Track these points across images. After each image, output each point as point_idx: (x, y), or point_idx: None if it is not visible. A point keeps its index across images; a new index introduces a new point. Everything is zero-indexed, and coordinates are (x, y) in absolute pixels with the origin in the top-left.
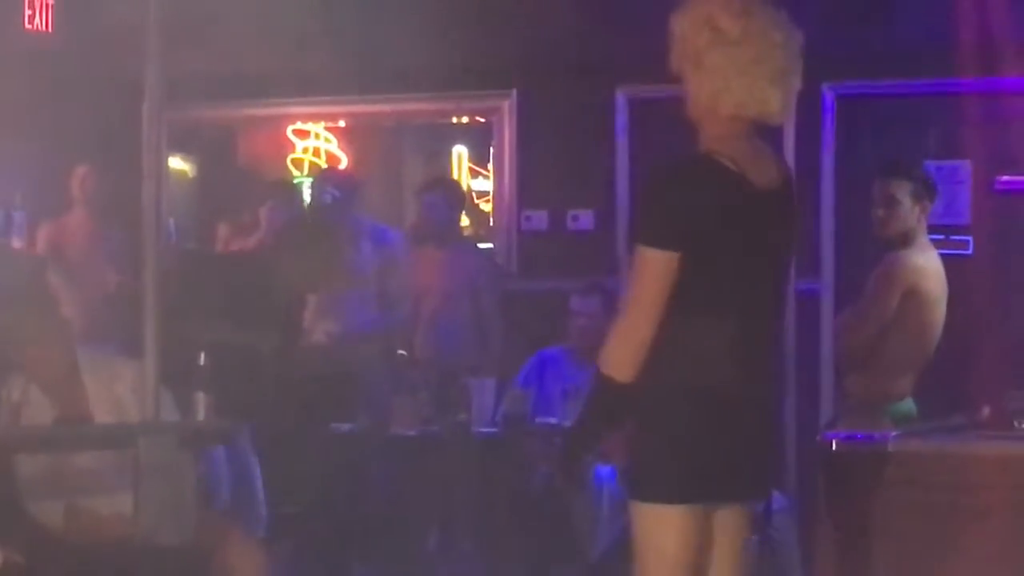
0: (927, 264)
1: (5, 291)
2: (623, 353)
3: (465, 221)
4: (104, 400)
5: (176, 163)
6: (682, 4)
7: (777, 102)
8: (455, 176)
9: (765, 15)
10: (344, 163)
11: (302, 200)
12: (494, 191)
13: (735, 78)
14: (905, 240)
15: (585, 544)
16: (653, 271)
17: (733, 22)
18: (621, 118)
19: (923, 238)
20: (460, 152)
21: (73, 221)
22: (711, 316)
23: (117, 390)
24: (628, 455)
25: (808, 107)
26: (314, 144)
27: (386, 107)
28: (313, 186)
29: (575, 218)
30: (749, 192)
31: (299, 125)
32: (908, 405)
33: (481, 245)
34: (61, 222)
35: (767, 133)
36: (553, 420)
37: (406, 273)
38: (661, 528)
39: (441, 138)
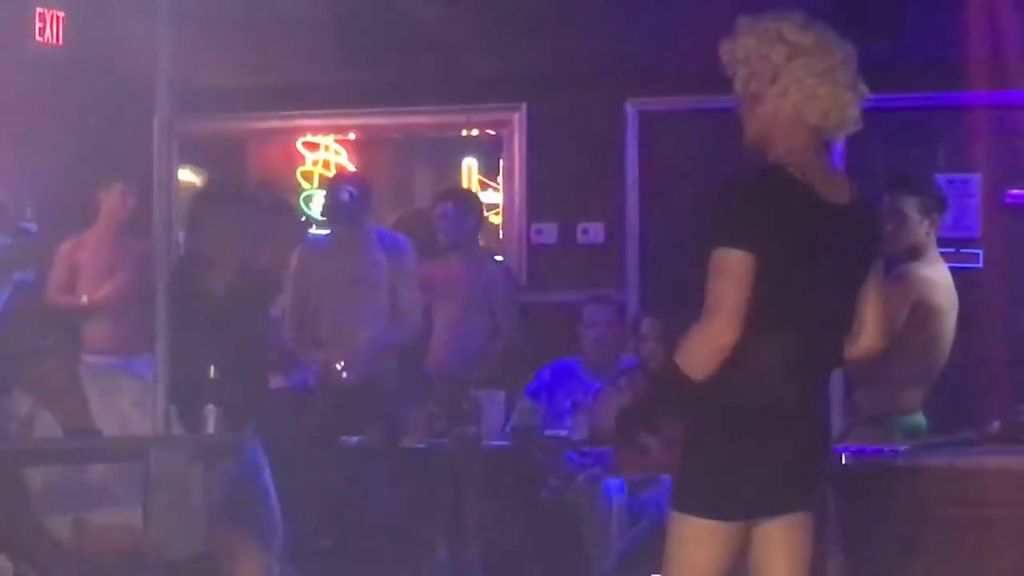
0: (936, 277)
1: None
2: (701, 356)
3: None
4: (109, 413)
5: (186, 175)
6: (735, 28)
7: (855, 109)
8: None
9: (823, 28)
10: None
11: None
12: (504, 204)
13: (819, 86)
14: (914, 253)
15: (595, 556)
16: (733, 272)
17: (803, 34)
18: (631, 131)
19: (933, 251)
20: (470, 165)
21: (93, 236)
22: (775, 331)
23: (121, 403)
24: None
25: None
26: (324, 156)
27: (396, 119)
28: (329, 187)
29: (585, 231)
30: (818, 205)
31: (309, 137)
32: (918, 419)
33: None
34: (81, 239)
35: None
36: (563, 432)
37: (417, 282)
38: (695, 540)
39: (451, 151)
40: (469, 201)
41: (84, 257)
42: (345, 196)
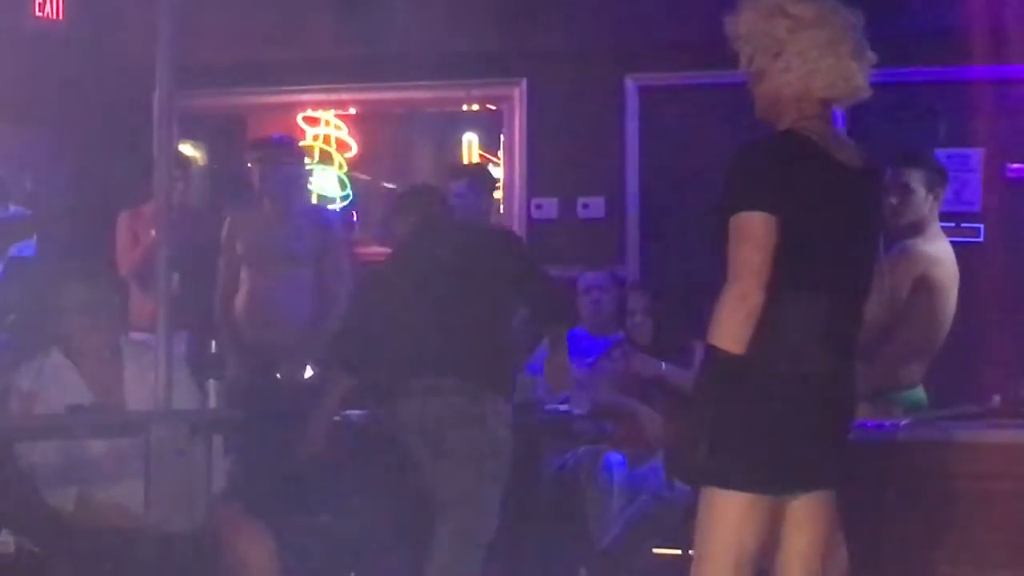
0: (938, 252)
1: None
2: (735, 322)
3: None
4: (142, 390)
5: (186, 150)
6: (738, 4)
7: (862, 77)
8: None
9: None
10: (354, 150)
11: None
12: (504, 179)
13: (823, 59)
14: (917, 229)
15: (595, 530)
16: (755, 235)
17: (804, 6)
18: (631, 105)
19: (934, 226)
20: (470, 140)
21: (149, 210)
22: (801, 296)
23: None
24: (691, 435)
25: None
26: (324, 131)
27: (396, 94)
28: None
29: (585, 205)
30: (836, 167)
31: (309, 112)
32: (919, 393)
33: None
34: (139, 210)
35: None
36: (563, 407)
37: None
38: (736, 515)
39: (451, 125)
40: (484, 178)
41: (141, 228)
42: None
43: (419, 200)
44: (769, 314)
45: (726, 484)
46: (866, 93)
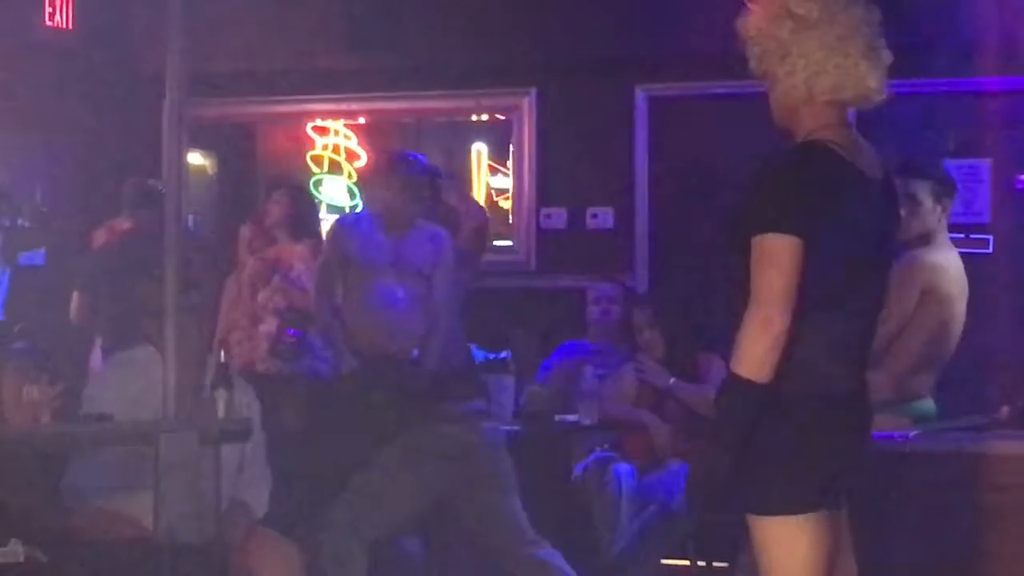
0: (946, 263)
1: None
2: (759, 349)
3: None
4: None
5: (196, 159)
6: (745, 7)
7: (874, 78)
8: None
9: None
10: (364, 160)
11: (309, 195)
12: (513, 188)
13: (828, 59)
14: (925, 239)
15: (604, 541)
16: (781, 259)
17: (809, 5)
18: (640, 115)
19: (943, 237)
20: (479, 149)
21: (123, 227)
22: (825, 315)
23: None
24: (716, 467)
25: None
26: (334, 141)
27: (406, 104)
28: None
29: (594, 215)
30: (859, 180)
31: (319, 122)
32: (927, 404)
33: (500, 242)
34: (114, 225)
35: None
36: (572, 418)
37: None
38: (797, 540)
39: (461, 135)
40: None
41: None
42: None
43: None
44: (794, 332)
45: (766, 511)
46: (879, 96)
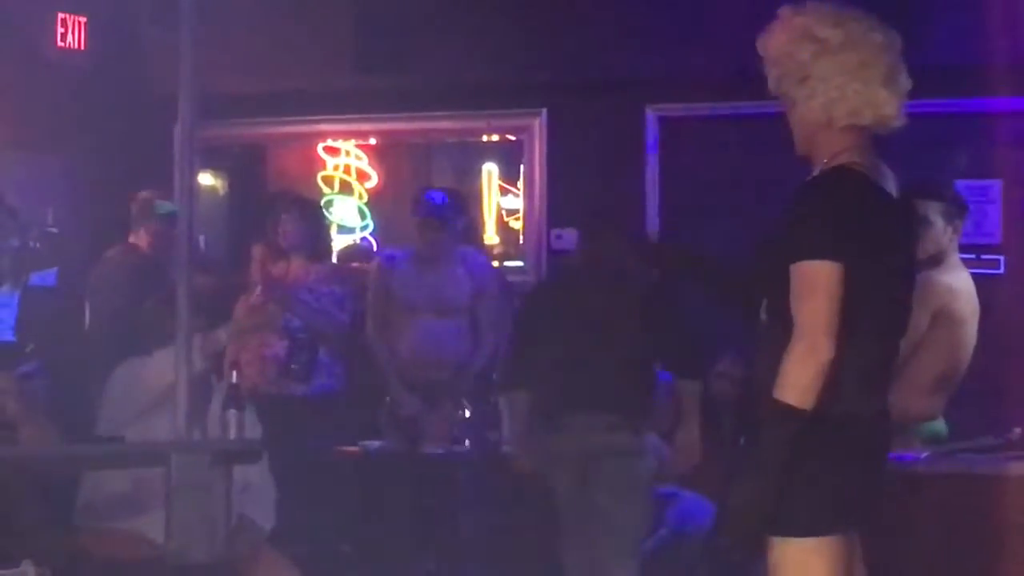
0: (957, 284)
1: None
2: (806, 377)
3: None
4: None
5: (207, 179)
6: (768, 27)
7: (892, 105)
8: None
9: (861, 19)
10: (375, 180)
11: (321, 217)
12: (524, 209)
13: (847, 84)
14: (936, 260)
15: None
16: (823, 285)
17: (832, 30)
18: (651, 136)
19: (954, 258)
20: (490, 170)
21: (142, 243)
22: (857, 340)
23: None
24: (759, 498)
25: None
26: (345, 161)
27: (417, 124)
28: (420, 189)
29: None
30: (886, 204)
31: (330, 142)
32: (939, 425)
33: (510, 263)
34: (127, 246)
35: (792, 160)
36: None
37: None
38: (815, 563)
39: (471, 156)
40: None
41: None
42: (439, 198)
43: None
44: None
45: (789, 532)
46: (898, 123)
